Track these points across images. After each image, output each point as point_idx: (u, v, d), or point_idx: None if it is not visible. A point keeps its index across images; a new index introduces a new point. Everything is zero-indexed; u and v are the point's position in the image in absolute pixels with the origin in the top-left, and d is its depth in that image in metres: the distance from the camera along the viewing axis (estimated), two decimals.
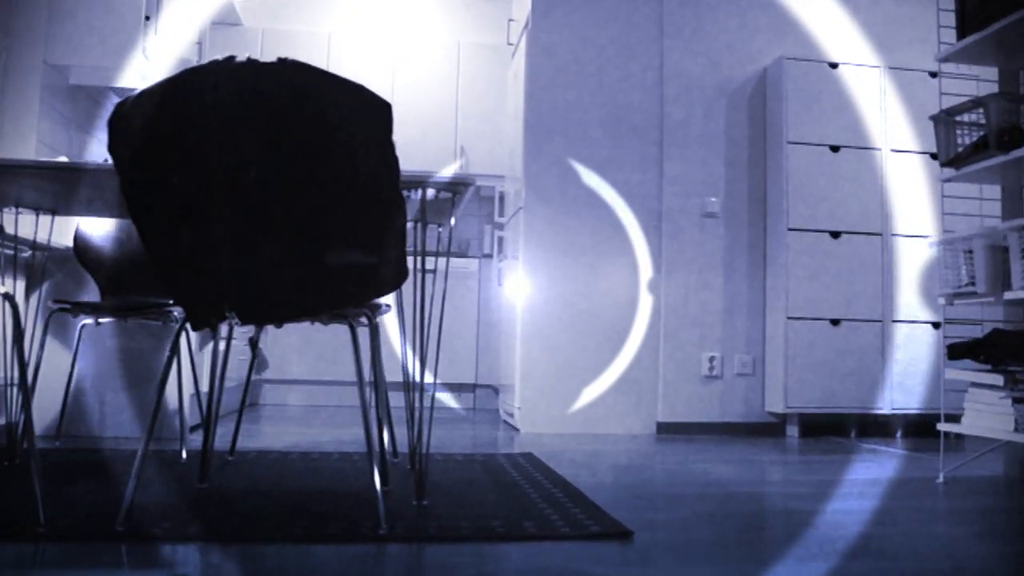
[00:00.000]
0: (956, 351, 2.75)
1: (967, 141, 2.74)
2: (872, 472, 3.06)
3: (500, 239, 5.39)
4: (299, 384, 5.40)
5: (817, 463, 3.29)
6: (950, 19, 2.91)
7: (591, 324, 4.26)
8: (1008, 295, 2.53)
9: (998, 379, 2.59)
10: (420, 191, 2.28)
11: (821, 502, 2.42)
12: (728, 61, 4.49)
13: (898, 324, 4.27)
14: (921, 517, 2.23)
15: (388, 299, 2.77)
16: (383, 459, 2.44)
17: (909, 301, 4.28)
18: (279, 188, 1.72)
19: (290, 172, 1.72)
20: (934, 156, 4.38)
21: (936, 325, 4.30)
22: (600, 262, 4.29)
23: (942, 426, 2.84)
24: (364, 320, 2.34)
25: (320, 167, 1.73)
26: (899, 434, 4.32)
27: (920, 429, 4.35)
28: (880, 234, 4.30)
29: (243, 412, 3.00)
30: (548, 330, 4.23)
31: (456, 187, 2.25)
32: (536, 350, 4.22)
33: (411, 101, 5.85)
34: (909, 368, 4.26)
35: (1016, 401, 2.55)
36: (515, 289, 4.40)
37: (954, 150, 2.72)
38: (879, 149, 4.34)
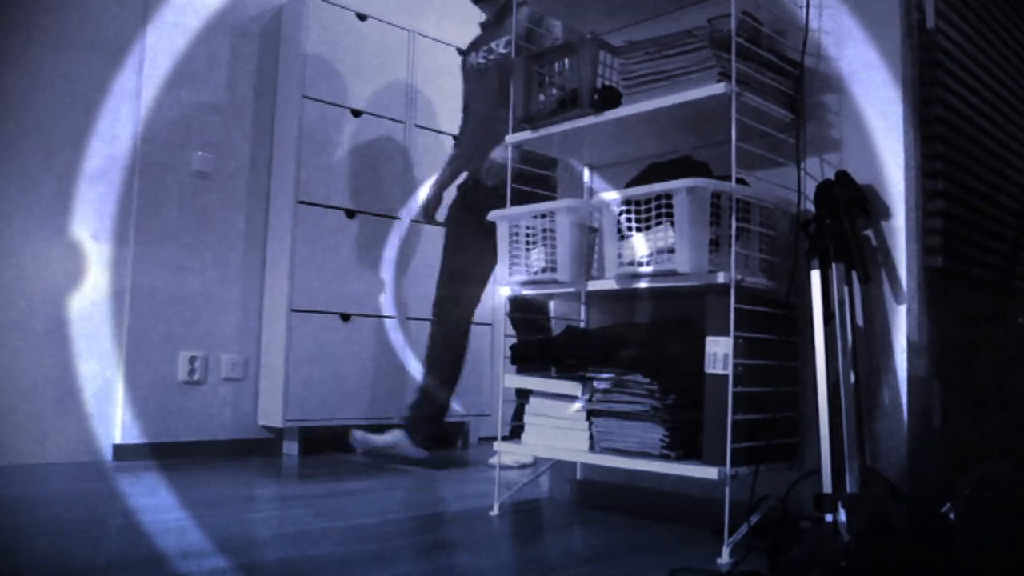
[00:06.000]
0: (523, 352, 2.24)
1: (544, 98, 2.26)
2: (377, 501, 2.42)
3: None
4: None
5: (332, 496, 2.55)
6: None
7: (22, 312, 2.97)
8: (594, 285, 2.08)
9: (574, 388, 2.12)
10: None
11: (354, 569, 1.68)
12: None
13: (413, 321, 3.76)
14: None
15: None
16: None
17: (424, 293, 3.81)
18: None
19: None
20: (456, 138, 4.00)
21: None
22: (41, 228, 3.02)
23: (500, 446, 2.30)
24: None
25: None
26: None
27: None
28: (398, 218, 3.76)
29: None
30: None
31: None
32: None
33: None
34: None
35: (592, 414, 2.11)
36: None
37: (536, 107, 2.21)
38: (403, 122, 3.80)
